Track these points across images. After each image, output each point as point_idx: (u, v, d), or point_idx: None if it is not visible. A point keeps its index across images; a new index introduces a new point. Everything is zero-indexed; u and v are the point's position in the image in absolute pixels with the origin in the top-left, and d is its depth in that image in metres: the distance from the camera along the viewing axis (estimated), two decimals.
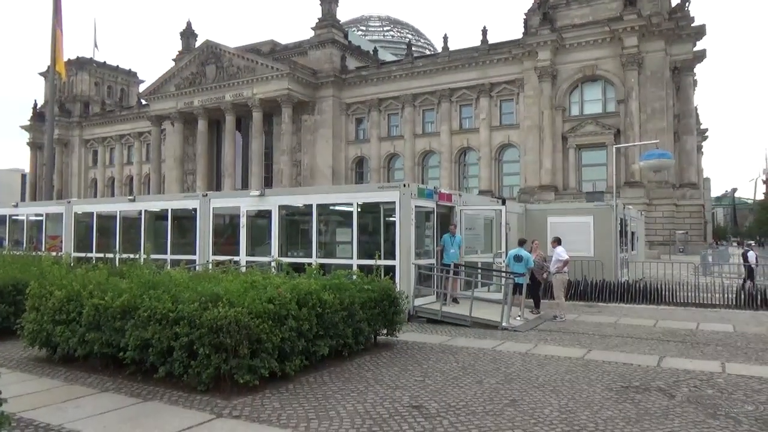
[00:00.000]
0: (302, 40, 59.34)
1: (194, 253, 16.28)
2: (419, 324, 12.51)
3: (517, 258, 13.59)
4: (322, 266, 10.10)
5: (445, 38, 53.67)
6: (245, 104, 55.81)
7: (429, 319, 12.77)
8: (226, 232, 17.14)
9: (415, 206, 13.23)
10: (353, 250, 13.68)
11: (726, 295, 16.80)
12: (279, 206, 15.16)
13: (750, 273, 22.11)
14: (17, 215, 23.73)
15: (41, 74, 76.60)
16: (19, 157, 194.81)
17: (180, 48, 66.18)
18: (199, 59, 58.95)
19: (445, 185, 46.74)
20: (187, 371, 6.87)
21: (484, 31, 50.48)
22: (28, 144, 77.91)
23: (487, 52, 49.79)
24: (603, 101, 45.11)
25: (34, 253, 14.82)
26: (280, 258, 13.61)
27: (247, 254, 15.41)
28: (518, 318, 12.87)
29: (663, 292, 17.12)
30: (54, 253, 16.38)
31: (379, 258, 12.00)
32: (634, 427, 5.79)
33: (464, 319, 12.29)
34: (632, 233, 22.76)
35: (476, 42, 51.58)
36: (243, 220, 15.56)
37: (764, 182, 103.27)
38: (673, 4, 46.08)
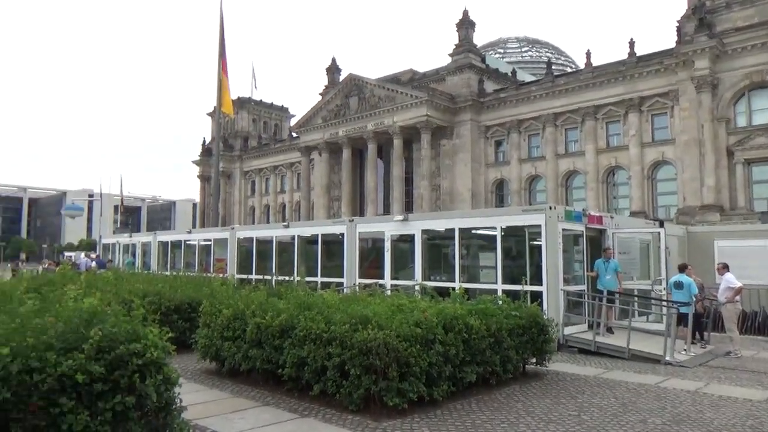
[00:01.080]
0: (440, 67, 60.23)
1: (342, 276, 17.01)
2: (570, 354, 11.86)
3: (678, 285, 12.38)
4: (465, 291, 10.02)
5: (588, 54, 51.38)
6: (386, 132, 57.74)
7: (580, 349, 12.06)
8: (370, 256, 17.71)
9: (562, 229, 12.68)
10: (497, 275, 13.42)
11: None
12: (422, 230, 15.37)
13: None
14: (190, 240, 26.70)
15: (208, 114, 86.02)
16: (191, 189, 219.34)
17: (326, 83, 70.53)
18: (343, 92, 62.34)
19: (592, 207, 44.16)
20: (339, 390, 7.13)
21: (632, 44, 47.51)
22: (198, 176, 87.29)
23: (635, 64, 46.71)
24: None
25: (204, 275, 16.44)
26: (423, 282, 13.73)
27: (392, 278, 15.77)
28: (683, 352, 11.69)
29: None
30: (221, 275, 18.03)
31: (525, 283, 11.61)
32: None
33: (621, 350, 11.43)
34: None
35: (621, 56, 48.76)
36: (387, 245, 16.00)
37: None
38: None
